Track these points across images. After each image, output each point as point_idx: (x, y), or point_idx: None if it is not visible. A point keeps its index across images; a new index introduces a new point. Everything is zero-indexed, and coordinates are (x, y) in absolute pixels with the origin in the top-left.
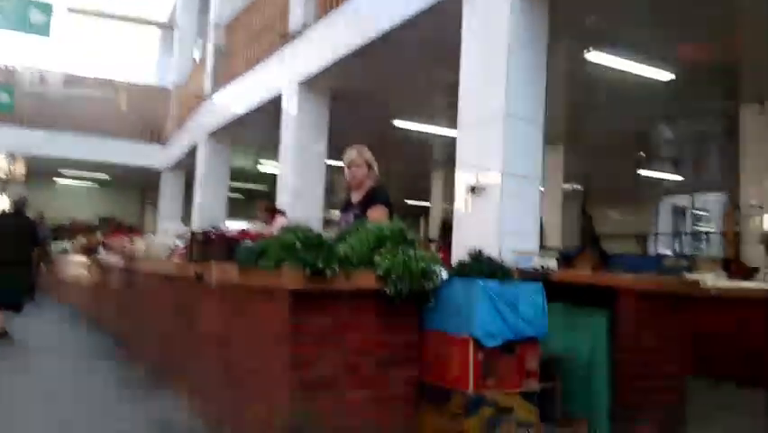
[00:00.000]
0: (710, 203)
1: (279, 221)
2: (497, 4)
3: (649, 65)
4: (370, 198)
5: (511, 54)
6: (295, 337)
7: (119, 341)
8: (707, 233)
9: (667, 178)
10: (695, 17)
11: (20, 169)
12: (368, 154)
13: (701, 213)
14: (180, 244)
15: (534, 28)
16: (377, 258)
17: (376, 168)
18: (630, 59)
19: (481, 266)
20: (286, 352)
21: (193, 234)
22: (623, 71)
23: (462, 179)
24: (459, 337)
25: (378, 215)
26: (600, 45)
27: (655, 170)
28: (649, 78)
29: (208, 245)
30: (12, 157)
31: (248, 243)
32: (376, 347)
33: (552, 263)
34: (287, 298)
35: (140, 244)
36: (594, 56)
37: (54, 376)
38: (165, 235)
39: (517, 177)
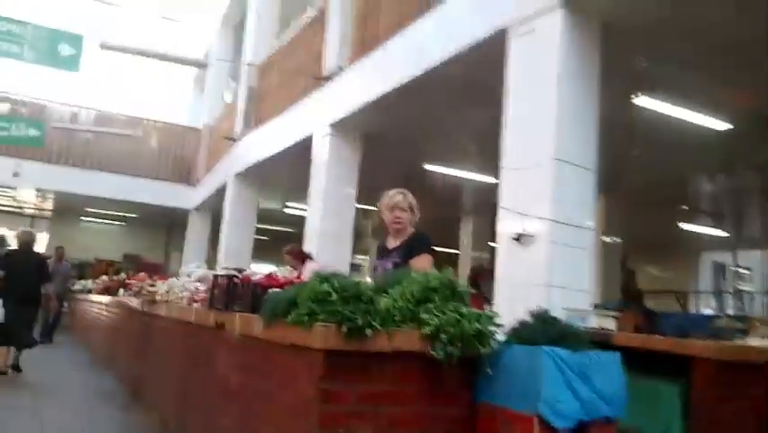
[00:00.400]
0: (752, 261)
1: (309, 266)
2: (546, 45)
3: (703, 113)
4: (413, 245)
5: (561, 95)
6: (324, 406)
7: (135, 387)
8: (751, 292)
9: (709, 233)
10: (753, 62)
11: (48, 205)
12: (412, 199)
13: (743, 271)
14: (202, 287)
15: (585, 69)
16: (423, 315)
17: (417, 214)
18: (682, 106)
19: (547, 329)
20: (313, 423)
21: (215, 278)
22: (673, 118)
23: (506, 227)
24: (520, 415)
25: (422, 264)
26: (650, 90)
27: (698, 224)
28: (702, 127)
29: (231, 292)
30: (41, 192)
31: (275, 291)
32: (420, 421)
33: (610, 324)
34: (317, 358)
35: (160, 287)
36: (643, 101)
37: (56, 422)
38: (187, 278)
39: (569, 226)
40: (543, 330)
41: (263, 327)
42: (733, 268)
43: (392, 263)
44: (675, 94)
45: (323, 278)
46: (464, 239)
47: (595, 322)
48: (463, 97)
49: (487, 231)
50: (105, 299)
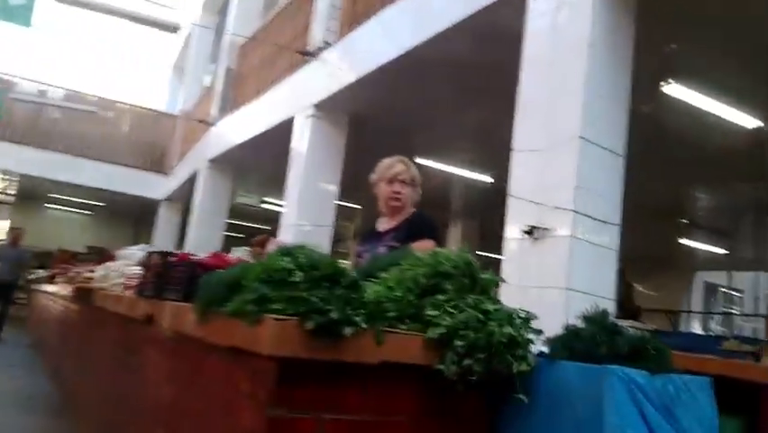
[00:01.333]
0: (745, 282)
1: (272, 245)
2: (575, 6)
3: (734, 106)
4: (414, 227)
5: (591, 65)
6: None
7: (68, 392)
8: (746, 314)
9: (705, 249)
10: None
11: (11, 189)
12: (416, 171)
13: (734, 293)
14: (140, 272)
15: (619, 38)
16: (430, 311)
17: (419, 191)
18: (710, 98)
19: (612, 340)
20: None
21: (148, 257)
22: (698, 111)
23: (516, 219)
24: None
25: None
26: (677, 77)
27: (695, 240)
28: (727, 124)
29: (164, 274)
30: (6, 175)
31: (218, 272)
32: None
33: None
34: (266, 370)
35: (96, 273)
36: (672, 90)
37: None
38: (125, 261)
39: (592, 219)
40: (606, 341)
41: (197, 321)
42: (725, 290)
43: (386, 248)
44: (705, 84)
45: (285, 251)
46: (452, 245)
47: None
48: (467, 77)
49: (476, 236)
50: (51, 288)
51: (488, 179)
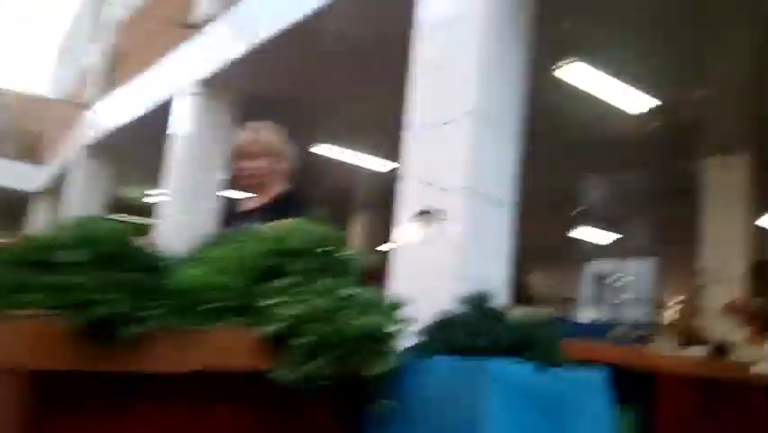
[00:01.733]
0: (634, 269)
1: None
2: None
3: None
4: (281, 206)
5: (487, 37)
6: None
7: None
8: (637, 299)
9: (593, 240)
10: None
11: None
12: (273, 138)
13: (623, 281)
14: None
15: (514, 8)
16: (266, 300)
17: (289, 160)
18: (607, 75)
19: (494, 328)
20: None
21: None
22: (591, 94)
23: (408, 198)
24: None
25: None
26: (574, 56)
27: (583, 230)
28: (621, 110)
29: None
30: None
31: None
32: None
33: None
34: (20, 389)
35: None
36: (565, 69)
37: None
38: None
39: (486, 199)
40: (487, 330)
41: None
42: (614, 277)
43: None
44: (600, 63)
45: (62, 226)
46: (355, 240)
47: None
48: (363, 54)
49: (381, 229)
50: None
51: (394, 165)
